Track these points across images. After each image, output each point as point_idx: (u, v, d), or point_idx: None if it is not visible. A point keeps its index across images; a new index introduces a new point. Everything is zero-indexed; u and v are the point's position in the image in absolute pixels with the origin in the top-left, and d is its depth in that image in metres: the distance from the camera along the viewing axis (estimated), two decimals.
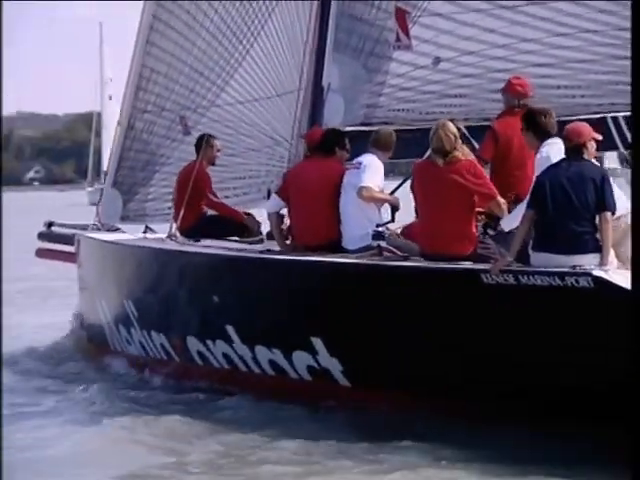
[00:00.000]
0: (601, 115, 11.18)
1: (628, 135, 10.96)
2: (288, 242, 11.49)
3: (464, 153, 9.97)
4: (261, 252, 11.27)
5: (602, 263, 8.73)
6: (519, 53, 11.73)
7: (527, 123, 9.67)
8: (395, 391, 9.65)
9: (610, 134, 11.03)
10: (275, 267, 10.89)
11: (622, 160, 11.19)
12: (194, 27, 14.26)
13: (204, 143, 12.81)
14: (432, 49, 12.12)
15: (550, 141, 9.61)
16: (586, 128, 9.41)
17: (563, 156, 9.23)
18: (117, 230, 14.33)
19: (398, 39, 12.25)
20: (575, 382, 8.63)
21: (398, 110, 12.36)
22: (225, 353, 11.13)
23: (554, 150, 9.51)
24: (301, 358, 10.38)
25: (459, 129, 10.17)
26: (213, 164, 12.86)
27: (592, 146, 9.31)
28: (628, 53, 10.81)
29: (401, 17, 12.18)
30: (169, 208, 14.08)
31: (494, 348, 9.04)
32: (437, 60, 12.10)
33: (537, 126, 9.58)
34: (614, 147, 11.20)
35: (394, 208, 10.94)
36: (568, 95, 11.54)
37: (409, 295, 9.50)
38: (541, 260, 8.95)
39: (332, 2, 12.61)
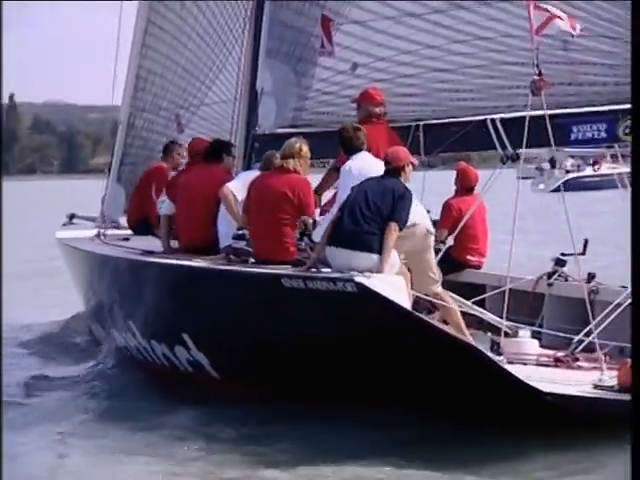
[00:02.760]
0: (484, 117, 11.43)
1: (504, 137, 11.20)
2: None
3: (302, 168, 10.52)
4: (142, 254, 11.72)
5: (379, 267, 9.18)
6: (423, 59, 11.96)
7: (339, 138, 10.28)
8: (239, 381, 10.14)
9: (489, 135, 11.34)
10: (148, 269, 11.38)
11: (501, 158, 11.23)
12: (185, 30, 14.89)
13: (168, 150, 13.52)
14: (351, 55, 12.41)
15: (355, 156, 10.19)
16: (404, 153, 10.03)
17: (367, 170, 9.87)
18: (113, 224, 14.73)
19: (322, 45, 12.54)
20: (345, 373, 9.15)
21: (321, 113, 12.72)
22: (128, 345, 11.95)
23: (356, 164, 10.11)
24: (181, 352, 10.89)
25: (311, 149, 10.67)
26: (176, 169, 13.22)
27: (409, 170, 9.87)
28: (513, 59, 11.40)
29: (326, 24, 12.49)
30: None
31: (295, 343, 9.50)
32: (355, 66, 12.42)
33: (343, 140, 10.18)
34: (492, 147, 11.44)
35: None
36: (460, 98, 11.82)
37: (233, 296, 10.07)
38: (329, 253, 9.52)
39: (264, 8, 12.93)
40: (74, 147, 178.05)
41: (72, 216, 15.92)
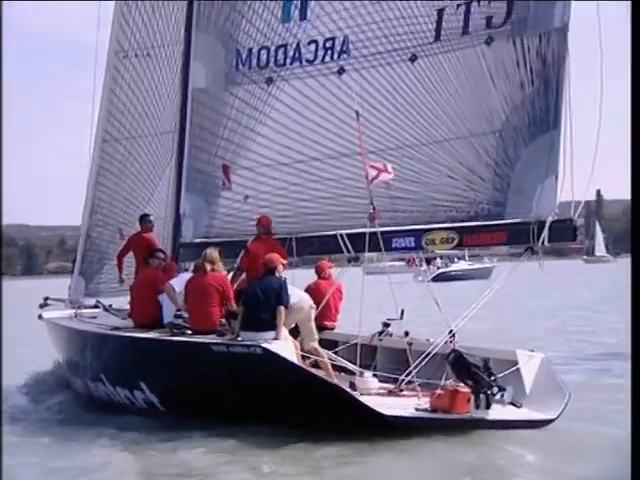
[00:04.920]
0: (334, 232, 11.61)
1: (349, 245, 11.42)
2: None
3: (219, 268, 11.04)
4: (110, 329, 11.79)
5: (275, 337, 9.75)
6: (291, 193, 12.15)
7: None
8: (186, 411, 10.02)
9: (338, 244, 11.53)
10: (115, 338, 11.48)
11: (347, 259, 11.56)
12: (126, 167, 14.92)
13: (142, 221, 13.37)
14: (243, 190, 12.69)
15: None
16: (276, 257, 10.43)
17: None
18: (78, 304, 14.65)
19: (224, 184, 12.83)
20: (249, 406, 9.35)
21: (224, 229, 12.87)
22: (98, 390, 11.94)
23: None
24: (138, 395, 10.91)
25: (220, 253, 11.16)
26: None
27: (281, 268, 10.34)
28: (352, 194, 11.61)
29: (225, 170, 12.80)
30: (113, 289, 14.81)
31: (219, 387, 9.63)
32: (246, 197, 12.65)
33: None
34: (341, 252, 11.57)
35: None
36: (318, 219, 11.99)
37: (177, 357, 10.28)
38: (245, 336, 9.95)
39: (184, 160, 13.22)
40: (32, 256, 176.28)
41: (46, 298, 15.37)
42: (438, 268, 62.71)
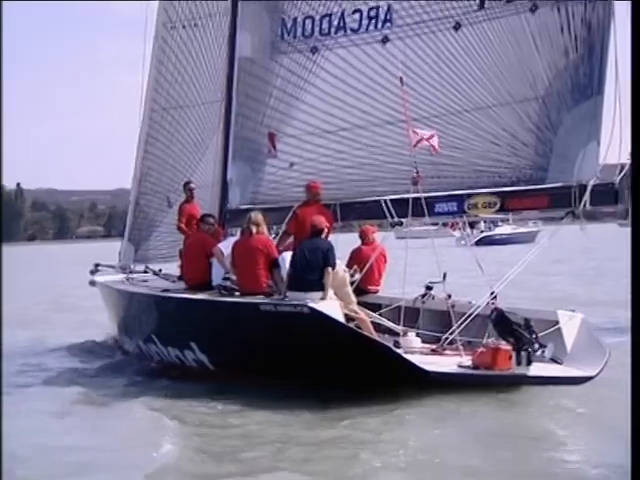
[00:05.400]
0: (378, 198, 11.81)
1: (393, 211, 11.59)
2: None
3: (264, 231, 11.23)
4: (163, 291, 12.08)
5: (322, 297, 9.97)
6: (336, 160, 12.39)
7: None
8: (235, 370, 10.27)
9: (382, 210, 11.71)
10: (167, 301, 11.66)
11: (390, 224, 11.71)
12: (173, 136, 15.16)
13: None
14: (288, 157, 12.82)
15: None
16: (323, 220, 10.58)
17: None
18: (129, 269, 15.02)
19: (269, 151, 12.95)
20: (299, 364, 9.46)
21: (270, 195, 13.02)
22: (150, 351, 12.20)
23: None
24: (188, 354, 11.15)
25: (265, 216, 11.33)
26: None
27: (326, 231, 10.48)
28: (395, 160, 11.79)
29: (271, 138, 12.94)
30: (161, 255, 15.29)
31: (268, 346, 9.88)
32: (291, 164, 12.79)
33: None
34: (384, 217, 11.72)
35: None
36: (362, 186, 12.16)
37: (226, 317, 10.50)
38: (292, 296, 10.11)
39: (230, 128, 13.34)
40: (65, 220, 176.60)
41: (97, 264, 15.77)
42: (482, 232, 61.71)
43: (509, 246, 51.15)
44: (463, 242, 46.89)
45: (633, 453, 6.00)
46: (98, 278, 14.94)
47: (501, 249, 43.34)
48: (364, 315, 10.90)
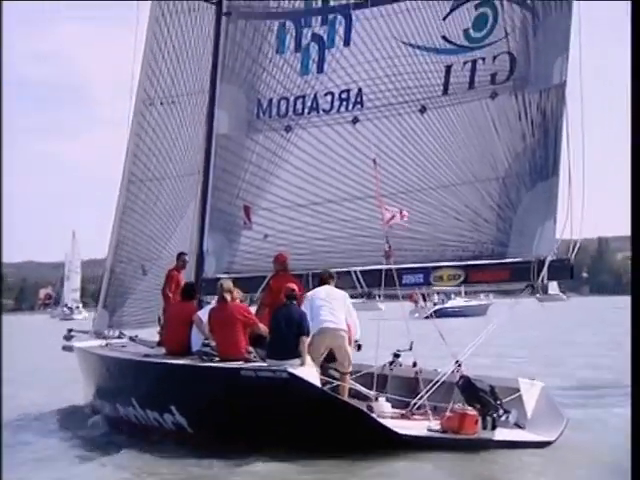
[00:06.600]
0: (348, 269, 12.25)
1: (362, 281, 12.07)
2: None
3: (236, 296, 11.46)
4: (144, 356, 12.28)
5: (301, 363, 10.29)
6: (308, 232, 12.89)
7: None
8: (214, 434, 10.43)
9: (352, 280, 12.16)
10: (151, 366, 11.82)
11: (360, 294, 12.09)
12: (150, 207, 15.48)
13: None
14: (262, 229, 13.32)
15: None
16: (294, 287, 10.94)
17: None
18: (103, 335, 15.09)
19: (245, 223, 13.45)
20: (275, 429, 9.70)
21: (245, 265, 13.43)
22: (128, 414, 12.22)
23: None
24: (168, 417, 11.17)
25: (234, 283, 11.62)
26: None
27: (298, 295, 10.81)
28: (365, 233, 12.32)
29: (247, 211, 13.47)
30: (135, 321, 15.41)
31: (247, 410, 9.99)
32: (265, 236, 13.28)
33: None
34: (355, 287, 12.04)
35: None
36: (333, 257, 12.66)
37: (207, 381, 10.64)
38: (271, 363, 10.42)
39: (207, 200, 13.72)
40: None
41: (70, 330, 15.75)
42: (435, 304, 62.06)
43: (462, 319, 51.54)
44: (417, 315, 47.10)
45: (633, 453, 6.18)
46: (76, 343, 15.06)
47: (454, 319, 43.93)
48: (347, 381, 11.12)
